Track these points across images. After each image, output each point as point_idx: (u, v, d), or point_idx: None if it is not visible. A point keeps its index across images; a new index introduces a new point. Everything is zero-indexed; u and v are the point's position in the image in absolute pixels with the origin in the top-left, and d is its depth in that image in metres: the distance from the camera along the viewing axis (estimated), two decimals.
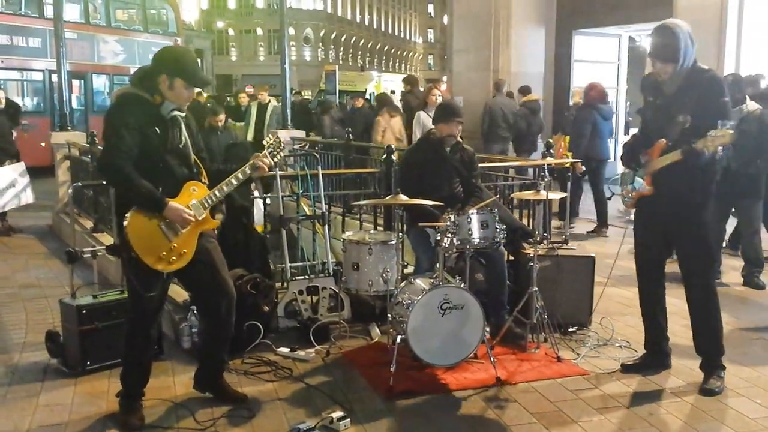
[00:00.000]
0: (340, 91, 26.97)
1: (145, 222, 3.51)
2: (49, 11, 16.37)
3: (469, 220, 4.41)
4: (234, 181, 3.72)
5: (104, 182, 6.02)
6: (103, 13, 20.58)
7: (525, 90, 12.26)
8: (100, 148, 6.38)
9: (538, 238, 5.00)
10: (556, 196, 5.26)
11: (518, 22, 14.77)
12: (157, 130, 3.54)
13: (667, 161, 4.00)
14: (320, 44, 60.65)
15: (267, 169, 3.83)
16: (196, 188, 3.68)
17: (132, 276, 3.62)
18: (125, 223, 3.48)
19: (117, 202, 3.81)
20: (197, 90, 4.88)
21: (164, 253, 3.56)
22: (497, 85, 12.26)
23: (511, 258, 5.34)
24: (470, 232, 4.41)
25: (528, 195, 5.16)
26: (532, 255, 4.80)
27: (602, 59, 15.56)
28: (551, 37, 15.47)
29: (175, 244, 3.59)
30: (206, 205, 3.68)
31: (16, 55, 17.86)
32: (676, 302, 4.63)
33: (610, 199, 9.57)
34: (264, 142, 3.90)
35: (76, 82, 18.87)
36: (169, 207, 3.52)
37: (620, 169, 5.05)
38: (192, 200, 3.63)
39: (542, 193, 4.95)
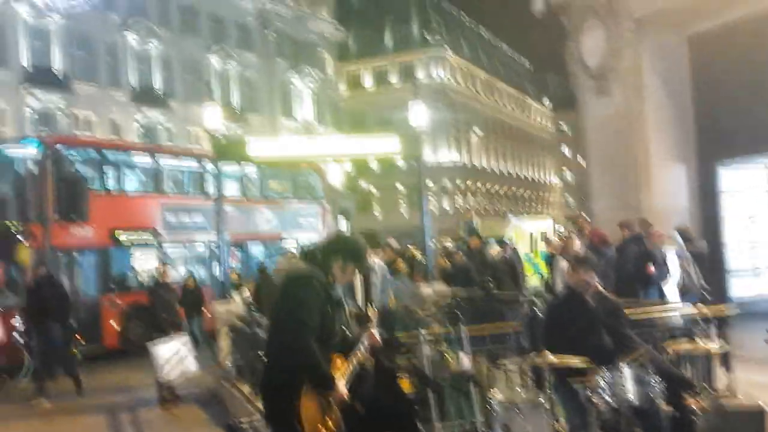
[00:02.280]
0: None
1: (311, 400, 3.63)
2: (211, 189, 17.99)
3: (620, 374, 4.27)
4: (359, 356, 3.88)
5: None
6: (258, 187, 22.21)
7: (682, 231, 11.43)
8: (257, 316, 6.76)
9: (699, 389, 4.73)
10: (715, 346, 5.00)
11: (657, 158, 14.63)
12: (330, 310, 3.78)
13: None
14: (458, 194, 62.09)
15: (379, 342, 3.96)
16: (338, 361, 3.84)
17: None
18: (299, 402, 3.57)
19: (282, 377, 3.73)
20: None
21: (323, 430, 3.66)
22: (641, 225, 11.92)
23: (672, 412, 5.05)
24: (623, 388, 4.25)
25: (685, 345, 4.94)
26: (694, 408, 4.54)
27: (751, 188, 14.96)
28: (693, 170, 15.14)
29: (330, 422, 3.70)
30: (349, 381, 3.81)
31: (182, 231, 19.41)
32: None
33: None
34: (369, 314, 4.06)
35: (234, 251, 20.22)
36: (337, 386, 3.67)
37: None
38: (340, 376, 3.78)
39: (700, 343, 4.74)
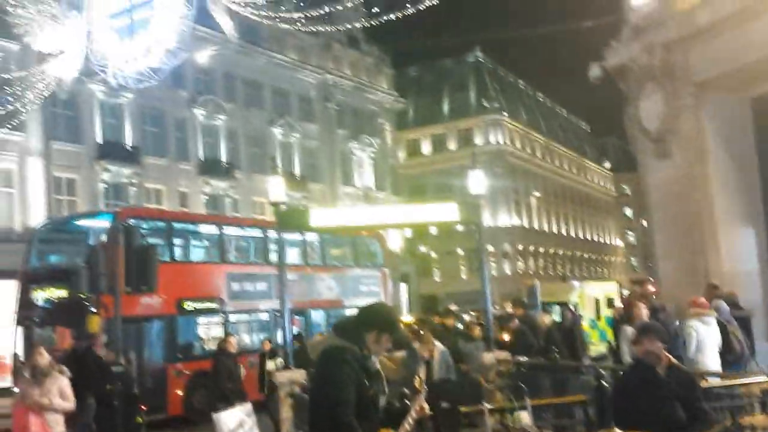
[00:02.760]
0: (542, 303, 26.78)
1: None
2: (273, 257, 18.32)
3: None
4: (407, 428, 3.86)
5: None
6: (319, 254, 22.52)
7: (728, 296, 11.01)
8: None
9: None
10: None
11: (724, 221, 14.32)
12: (367, 382, 3.81)
13: None
14: (518, 257, 61.49)
15: (428, 413, 3.95)
16: None
17: None
18: None
19: None
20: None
21: None
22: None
23: None
24: None
25: (763, 420, 4.76)
26: None
27: None
28: (762, 233, 14.74)
29: None
30: None
31: (246, 299, 19.73)
32: None
33: None
34: (417, 385, 4.05)
35: (296, 318, 20.41)
36: None
37: None
38: None
39: None
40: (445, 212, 15.72)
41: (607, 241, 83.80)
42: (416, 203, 46.58)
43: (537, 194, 65.14)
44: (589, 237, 78.30)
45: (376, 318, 4.01)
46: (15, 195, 27.38)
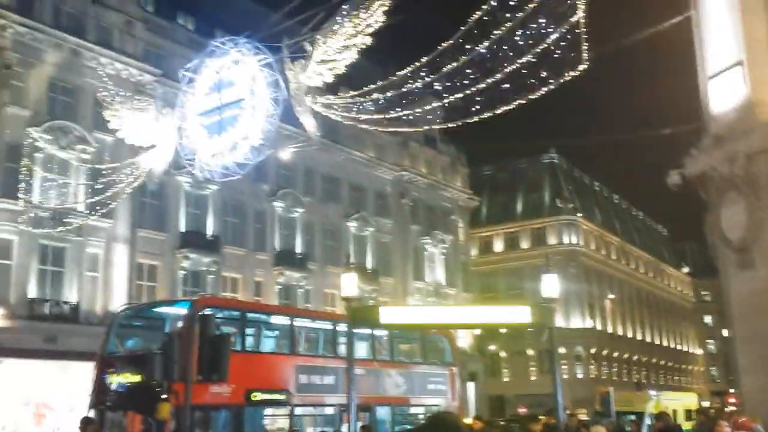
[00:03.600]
0: (616, 412, 25.74)
1: None
2: (342, 350, 18.36)
3: None
4: None
5: None
6: (387, 349, 22.41)
7: None
8: None
9: None
10: None
11: None
12: None
13: None
14: (592, 361, 59.54)
15: None
16: None
17: None
18: None
19: None
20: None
21: None
22: None
23: None
24: None
25: None
26: None
27: None
28: None
29: None
30: None
31: (313, 392, 19.68)
32: None
33: None
34: None
35: (362, 414, 20.18)
36: None
37: None
38: None
39: None
40: (517, 315, 15.59)
41: (686, 349, 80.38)
42: (487, 302, 46.22)
43: (612, 297, 63.59)
44: (666, 343, 75.35)
45: (446, 429, 4.05)
46: (99, 279, 28.51)
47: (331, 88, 18.09)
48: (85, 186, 27.23)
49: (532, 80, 13.05)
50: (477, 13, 13.23)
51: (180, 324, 17.31)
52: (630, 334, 67.88)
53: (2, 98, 26.41)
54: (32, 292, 26.47)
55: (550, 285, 15.64)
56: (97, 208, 22.95)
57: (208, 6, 34.97)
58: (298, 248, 37.46)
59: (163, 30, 32.70)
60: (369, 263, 41.41)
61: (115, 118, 20.47)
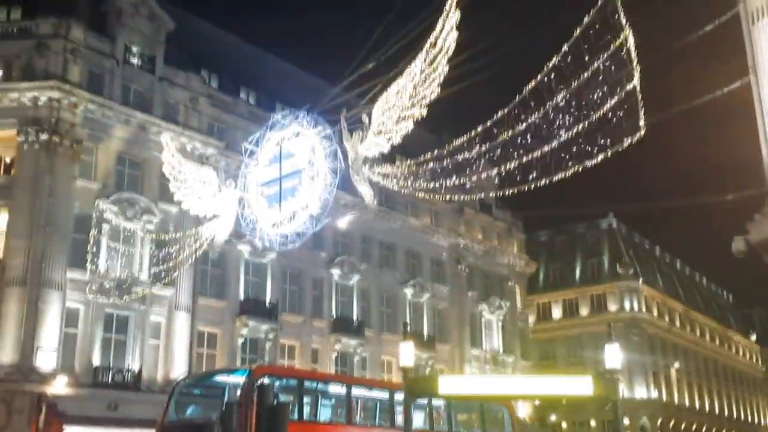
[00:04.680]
0: None
1: None
2: (399, 420, 18.14)
3: None
4: None
5: None
6: (446, 419, 22.05)
7: None
8: None
9: None
10: None
11: None
12: None
13: None
14: None
15: None
16: None
17: None
18: None
19: None
20: None
21: None
22: None
23: None
24: None
25: None
26: None
27: None
28: None
29: None
30: None
31: None
32: None
33: None
34: None
35: None
36: None
37: None
38: None
39: None
40: (579, 386, 15.24)
41: (756, 420, 76.55)
42: (546, 370, 45.14)
43: (677, 365, 61.41)
44: (735, 414, 71.96)
45: None
46: (161, 347, 28.97)
47: (387, 158, 18.45)
48: (150, 255, 28.04)
49: (588, 147, 13.10)
50: (532, 82, 13.44)
51: (238, 393, 17.45)
52: (697, 405, 65.13)
53: (72, 172, 27.60)
54: (96, 359, 27.04)
55: (613, 355, 15.29)
56: (162, 276, 23.55)
57: (269, 81, 36.27)
58: (355, 315, 37.50)
59: (226, 104, 33.91)
60: (425, 330, 41.11)
61: (180, 190, 21.23)
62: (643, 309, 59.81)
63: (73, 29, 28.37)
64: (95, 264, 27.26)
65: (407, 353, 14.98)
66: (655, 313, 61.99)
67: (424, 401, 20.27)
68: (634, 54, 11.78)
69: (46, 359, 25.13)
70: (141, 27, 30.90)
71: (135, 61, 30.64)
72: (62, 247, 26.71)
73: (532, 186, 14.61)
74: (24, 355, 24.93)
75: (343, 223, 30.01)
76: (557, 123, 13.51)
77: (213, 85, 33.63)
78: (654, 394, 57.97)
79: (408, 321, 39.67)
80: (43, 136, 26.97)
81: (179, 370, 28.37)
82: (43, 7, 28.58)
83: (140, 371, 27.82)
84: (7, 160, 28.09)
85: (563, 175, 13.76)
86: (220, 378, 19.71)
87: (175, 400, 19.00)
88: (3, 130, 27.60)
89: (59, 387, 24.99)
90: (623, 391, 46.53)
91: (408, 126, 15.08)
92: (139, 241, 28.91)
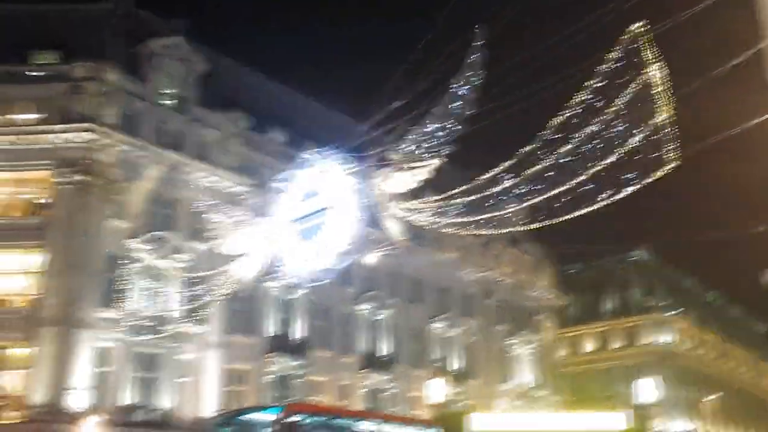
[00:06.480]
0: None
1: None
2: None
3: None
4: None
5: None
6: None
7: None
8: None
9: None
10: None
11: None
12: None
13: None
14: None
15: None
16: None
17: None
18: None
19: None
20: None
21: None
22: None
23: None
24: None
25: None
26: None
27: None
28: None
29: None
30: None
31: None
32: None
33: None
34: None
35: None
36: None
37: None
38: None
39: None
40: (611, 421, 15.01)
41: None
42: (578, 405, 44.29)
43: (712, 398, 60.04)
44: None
45: None
46: (191, 385, 28.99)
47: (415, 193, 18.51)
48: (181, 293, 28.24)
49: (617, 178, 13.06)
50: (559, 117, 13.48)
51: (269, 430, 17.44)
52: None
53: (105, 211, 28.02)
54: (127, 398, 27.15)
55: (647, 390, 15.06)
56: (192, 314, 23.72)
57: (299, 120, 36.67)
58: (384, 350, 37.32)
59: (256, 143, 34.29)
60: (454, 365, 40.74)
61: (211, 228, 21.48)
62: (676, 341, 58.83)
63: (107, 72, 29.04)
64: (126, 303, 27.52)
65: (437, 389, 14.90)
66: (689, 345, 60.92)
67: None
68: (662, 86, 11.81)
69: (77, 399, 25.29)
70: (173, 69, 31.55)
71: (167, 102, 31.27)
72: (94, 287, 27.01)
73: (559, 219, 14.57)
74: (56, 394, 25.10)
75: (372, 258, 30.02)
76: (586, 155, 13.50)
77: (243, 124, 34.08)
78: (689, 427, 56.67)
79: (437, 356, 39.46)
80: (77, 177, 27.49)
81: (209, 407, 28.38)
82: (77, 50, 29.29)
83: (170, 409, 27.88)
84: (42, 200, 28.59)
85: (591, 208, 13.71)
86: (252, 416, 19.69)
87: None
88: (38, 171, 28.18)
89: (90, 427, 25.10)
90: (658, 425, 45.58)
91: (435, 162, 15.18)
92: (169, 279, 29.15)
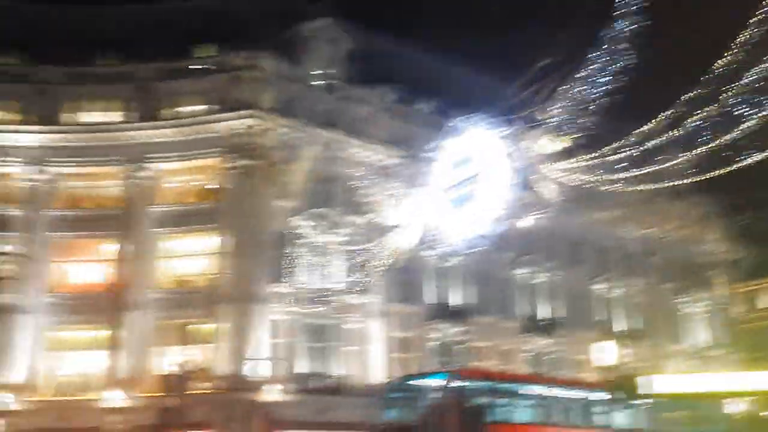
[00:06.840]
0: None
1: None
2: (597, 421, 17.70)
3: None
4: None
5: None
6: (649, 417, 21.19)
7: None
8: None
9: None
10: None
11: None
12: None
13: None
14: None
15: None
16: None
17: None
18: None
19: None
20: None
21: None
22: None
23: None
24: None
25: None
26: None
27: None
28: None
29: None
30: None
31: None
32: None
33: None
34: None
35: None
36: None
37: None
38: None
39: None
40: None
41: None
42: (758, 364, 41.53)
43: None
44: None
45: None
46: (358, 353, 30.14)
47: (569, 152, 18.07)
48: (343, 266, 29.34)
49: None
50: (719, 61, 12.71)
51: (439, 395, 17.92)
52: None
53: (270, 193, 29.51)
54: (301, 367, 28.69)
55: None
56: (356, 285, 24.59)
57: (446, 88, 36.65)
58: (544, 314, 36.90)
59: (405, 115, 34.69)
60: (621, 327, 39.54)
61: (367, 201, 22.20)
62: None
63: (262, 60, 30.40)
64: (295, 277, 28.95)
65: (606, 352, 14.64)
66: None
67: (625, 400, 19.68)
68: None
69: (256, 369, 27.03)
70: (323, 50, 32.50)
71: (318, 82, 32.32)
72: (266, 264, 28.60)
73: (727, 169, 13.80)
74: (238, 365, 26.96)
75: (527, 222, 29.66)
76: (751, 101, 12.70)
77: (391, 97, 34.56)
78: None
79: (601, 318, 38.44)
80: (243, 162, 29.10)
81: (378, 373, 29.43)
82: (234, 41, 30.81)
83: (341, 377, 29.19)
84: (213, 186, 30.49)
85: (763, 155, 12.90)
86: (421, 382, 20.30)
87: (384, 404, 19.90)
88: (207, 158, 30.07)
89: (270, 394, 26.79)
90: None
91: (589, 119, 14.80)
92: (332, 253, 30.28)
